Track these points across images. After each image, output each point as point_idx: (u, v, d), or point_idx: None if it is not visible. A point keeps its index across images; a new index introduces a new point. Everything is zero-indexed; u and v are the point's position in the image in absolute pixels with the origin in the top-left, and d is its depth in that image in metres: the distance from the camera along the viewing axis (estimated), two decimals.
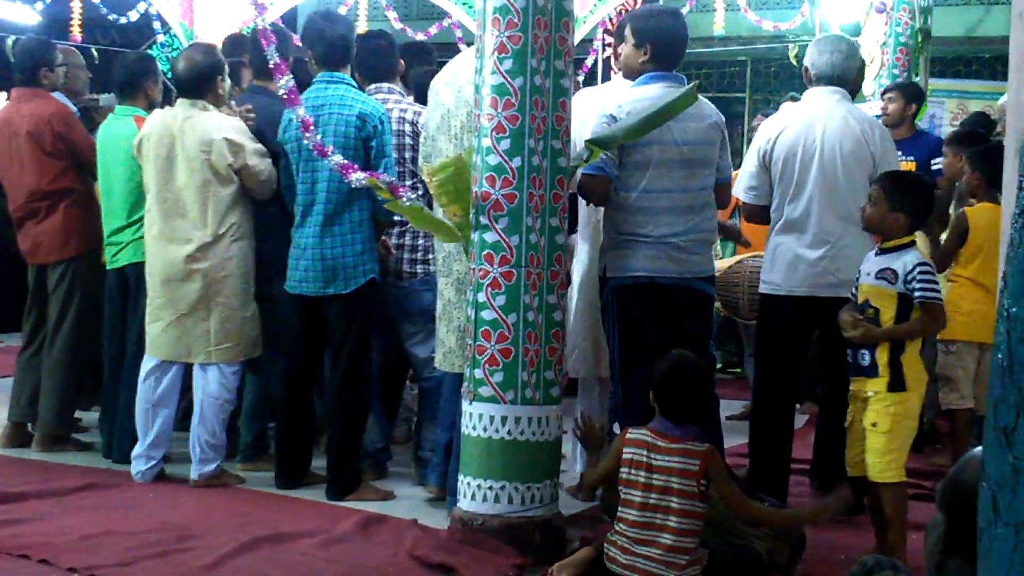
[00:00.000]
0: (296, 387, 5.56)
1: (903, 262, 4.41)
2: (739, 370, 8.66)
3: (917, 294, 4.36)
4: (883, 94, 7.43)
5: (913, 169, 6.77)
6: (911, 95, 7.35)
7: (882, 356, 4.42)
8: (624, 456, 4.17)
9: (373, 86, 5.88)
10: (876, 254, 4.57)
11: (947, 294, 5.78)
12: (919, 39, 8.64)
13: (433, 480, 5.30)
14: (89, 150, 6.23)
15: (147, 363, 5.68)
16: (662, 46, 5.05)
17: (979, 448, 2.12)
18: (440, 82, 5.20)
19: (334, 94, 5.36)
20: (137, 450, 5.64)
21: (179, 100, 5.71)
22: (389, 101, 5.76)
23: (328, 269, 5.33)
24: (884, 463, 4.42)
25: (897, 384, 4.41)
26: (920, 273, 4.37)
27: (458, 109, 5.01)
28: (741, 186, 5.36)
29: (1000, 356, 1.34)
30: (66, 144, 6.23)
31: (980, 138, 6.62)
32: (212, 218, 5.51)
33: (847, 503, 4.60)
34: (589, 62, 8.19)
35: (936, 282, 4.43)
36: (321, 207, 5.33)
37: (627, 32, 5.26)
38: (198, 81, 5.64)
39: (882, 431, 4.42)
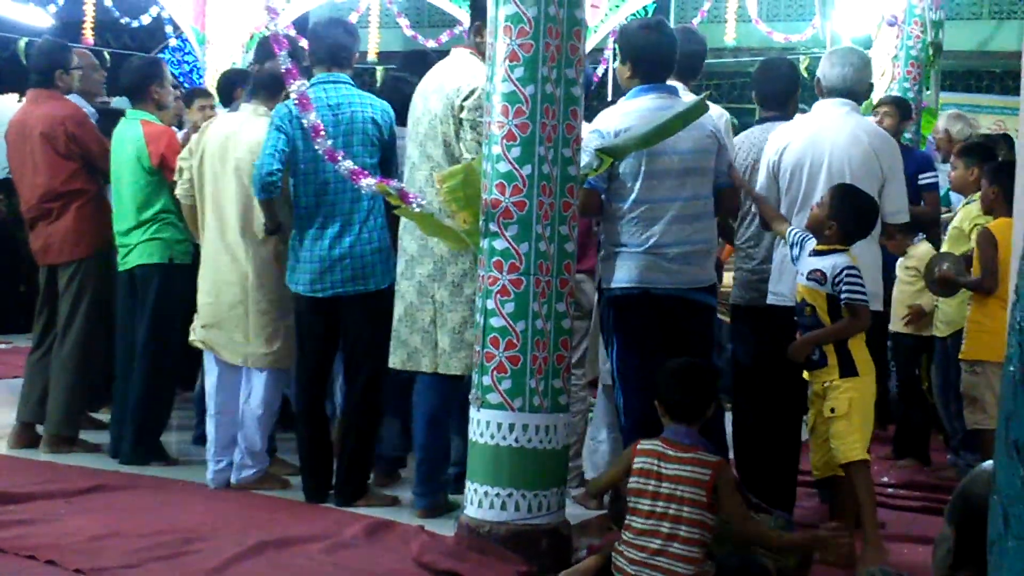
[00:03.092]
0: (311, 395, 5.50)
1: (832, 264, 4.64)
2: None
3: (843, 296, 4.60)
4: (875, 108, 7.33)
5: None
6: (905, 109, 7.32)
7: (828, 347, 4.66)
8: (635, 466, 4.18)
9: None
10: (810, 255, 4.75)
11: (971, 313, 5.78)
12: (930, 53, 8.64)
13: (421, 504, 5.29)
14: (101, 153, 6.26)
15: (211, 367, 5.73)
16: (643, 62, 5.04)
17: (989, 462, 2.13)
18: (418, 89, 5.28)
19: (348, 93, 5.36)
20: (208, 454, 5.67)
21: (242, 104, 5.77)
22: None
23: (355, 268, 5.30)
24: (849, 443, 4.61)
25: (848, 369, 4.65)
26: (846, 276, 4.60)
27: (423, 116, 5.15)
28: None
29: (1012, 369, 1.34)
30: (79, 146, 6.25)
31: (991, 150, 6.58)
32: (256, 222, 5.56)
33: (844, 552, 4.58)
34: (600, 71, 8.20)
35: (861, 284, 4.62)
36: (345, 207, 5.30)
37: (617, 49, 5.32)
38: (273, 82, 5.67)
39: (841, 415, 4.63)
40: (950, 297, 6.10)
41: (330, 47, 5.44)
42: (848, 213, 4.70)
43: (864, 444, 4.65)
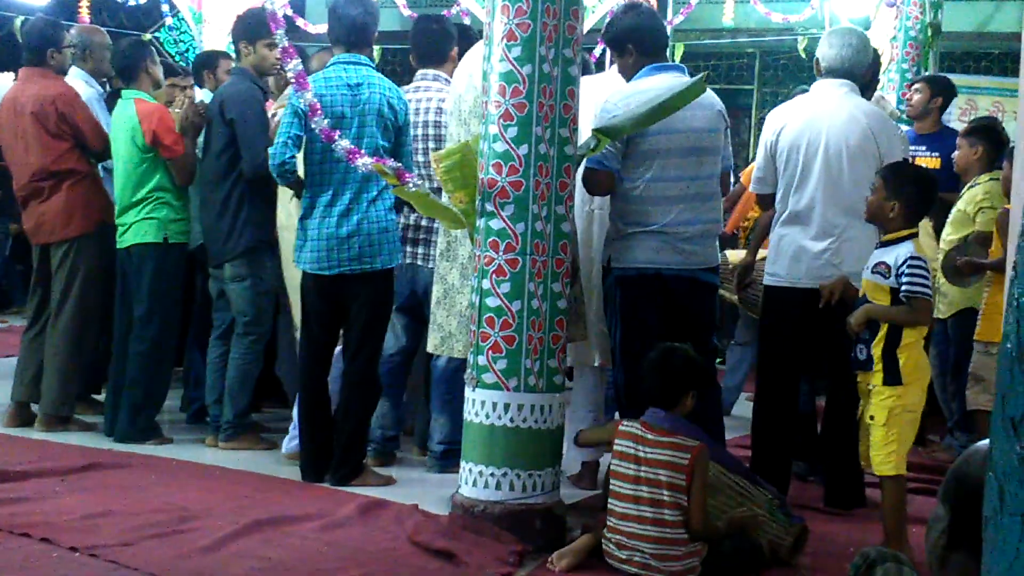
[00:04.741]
0: (316, 374, 5.47)
1: (895, 255, 4.41)
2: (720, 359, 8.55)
3: (904, 288, 4.35)
4: (910, 85, 7.33)
5: (937, 165, 6.70)
6: (938, 88, 7.14)
7: (876, 349, 4.41)
8: (615, 448, 4.20)
9: (420, 72, 5.89)
10: (877, 247, 4.58)
11: (989, 295, 5.76)
12: (929, 34, 8.60)
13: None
14: (93, 132, 6.25)
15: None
16: (644, 40, 5.07)
17: (983, 441, 2.12)
18: (458, 69, 5.22)
19: (367, 74, 5.33)
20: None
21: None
22: (431, 89, 5.77)
23: (375, 243, 5.27)
24: (882, 456, 4.42)
25: (892, 377, 4.39)
26: (909, 267, 4.35)
27: (467, 93, 5.03)
28: (753, 177, 5.36)
29: (1009, 346, 1.33)
30: (70, 125, 6.23)
31: (996, 132, 6.53)
32: None
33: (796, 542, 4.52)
34: (597, 51, 8.16)
35: (926, 276, 4.39)
36: (354, 187, 5.26)
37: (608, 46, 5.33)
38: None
39: (879, 424, 4.42)
40: (971, 284, 6.04)
41: (349, 27, 5.40)
42: (907, 189, 4.49)
43: (899, 459, 4.42)
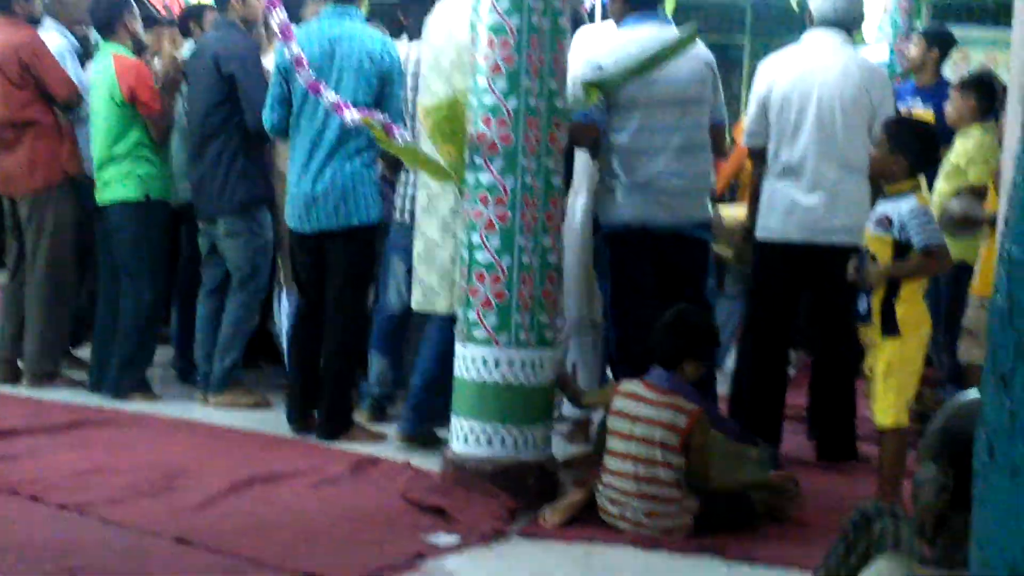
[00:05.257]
0: (307, 329, 5.50)
1: (899, 209, 4.37)
2: None
3: (917, 242, 4.31)
4: (903, 38, 7.28)
5: (931, 117, 6.66)
6: (935, 40, 7.07)
7: (875, 302, 4.39)
8: (613, 406, 4.19)
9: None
10: (880, 200, 4.55)
11: (985, 251, 5.74)
12: None
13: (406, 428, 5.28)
14: (58, 83, 6.16)
15: None
16: None
17: (962, 395, 2.09)
18: (432, 21, 5.14)
19: (350, 27, 5.28)
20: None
21: None
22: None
23: (349, 200, 5.26)
24: (882, 408, 4.40)
25: (890, 329, 4.36)
26: (918, 220, 4.31)
27: (447, 45, 4.96)
28: (744, 130, 5.32)
29: (999, 300, 1.31)
30: (33, 75, 6.14)
31: (988, 83, 6.48)
32: None
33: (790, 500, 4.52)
34: (588, 3, 8.08)
35: (934, 224, 4.38)
36: (333, 143, 5.24)
37: None
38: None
39: (879, 376, 4.40)
40: (968, 236, 6.00)
41: None
42: (910, 143, 4.46)
43: (899, 411, 4.39)
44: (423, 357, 5.21)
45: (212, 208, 5.93)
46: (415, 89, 5.52)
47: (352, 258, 5.34)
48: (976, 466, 1.37)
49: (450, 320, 5.01)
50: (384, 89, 5.26)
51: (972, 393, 2.01)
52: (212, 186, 5.89)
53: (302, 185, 5.30)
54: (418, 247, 5.17)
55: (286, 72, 5.24)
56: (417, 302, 5.18)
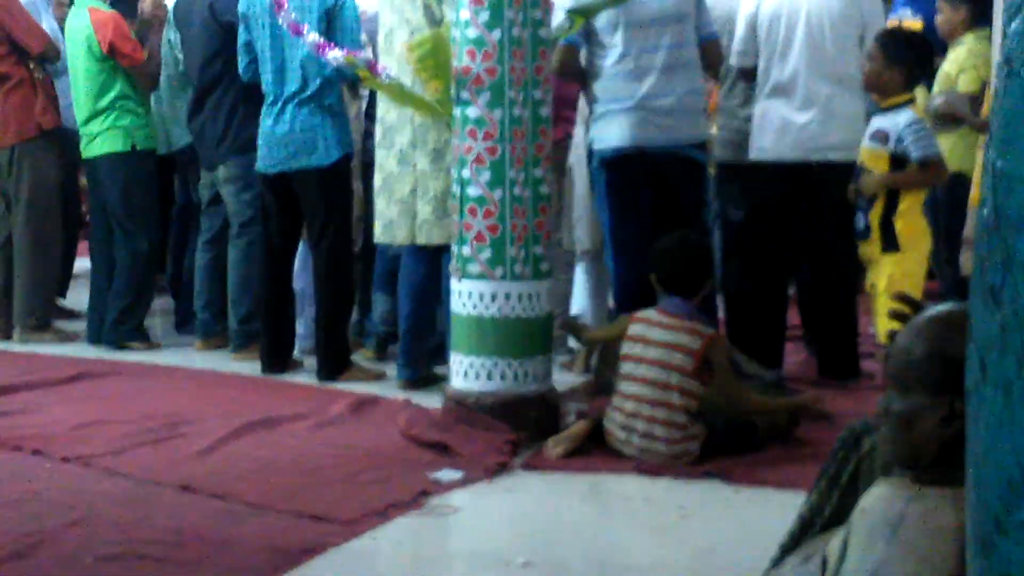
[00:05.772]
0: (277, 269, 5.56)
1: (895, 122, 4.35)
2: None
3: (914, 154, 4.29)
4: None
5: (919, 27, 6.58)
6: None
7: (873, 218, 4.39)
8: (628, 332, 4.18)
9: None
10: (875, 115, 4.51)
11: (982, 160, 5.67)
12: None
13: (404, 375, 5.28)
14: (29, 34, 6.11)
15: None
16: None
17: (920, 316, 2.01)
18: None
19: None
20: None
21: None
22: None
23: (308, 142, 5.27)
24: (884, 323, 4.38)
25: (890, 244, 4.38)
26: (914, 132, 4.30)
27: (400, 28, 4.94)
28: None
29: (986, 212, 1.28)
30: (3, 28, 6.08)
31: None
32: None
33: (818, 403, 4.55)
34: None
35: (931, 136, 4.35)
36: (293, 85, 5.27)
37: None
38: None
39: (880, 292, 4.41)
40: (951, 132, 5.94)
41: None
42: (903, 54, 4.45)
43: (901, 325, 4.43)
44: (401, 301, 5.22)
45: (213, 156, 5.91)
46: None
47: (324, 198, 5.36)
48: (968, 384, 1.35)
49: (417, 254, 5.03)
50: (332, 23, 5.18)
51: (939, 310, 1.94)
52: (213, 133, 5.88)
53: (265, 127, 5.38)
54: (377, 180, 5.17)
55: (244, 19, 5.36)
56: (377, 235, 5.18)
